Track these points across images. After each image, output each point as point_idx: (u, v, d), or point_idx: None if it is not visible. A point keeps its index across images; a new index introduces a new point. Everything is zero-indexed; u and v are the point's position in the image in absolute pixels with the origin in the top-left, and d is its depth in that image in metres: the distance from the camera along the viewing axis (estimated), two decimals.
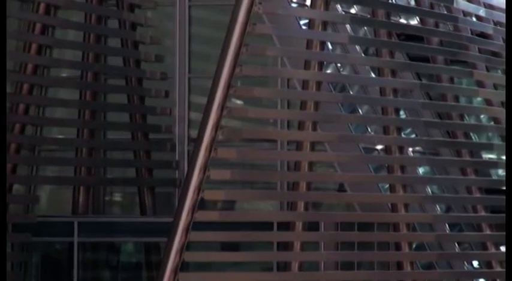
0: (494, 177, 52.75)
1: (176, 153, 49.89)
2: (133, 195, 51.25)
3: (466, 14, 52.57)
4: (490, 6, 54.71)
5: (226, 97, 42.13)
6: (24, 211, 48.64)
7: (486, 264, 50.24)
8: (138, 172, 50.57)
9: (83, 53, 49.44)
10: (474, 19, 53.44)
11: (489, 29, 53.25)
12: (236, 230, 43.98)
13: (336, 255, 46.83)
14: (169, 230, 41.53)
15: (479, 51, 51.55)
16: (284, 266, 46.79)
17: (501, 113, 51.75)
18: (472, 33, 52.00)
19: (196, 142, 42.09)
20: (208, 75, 44.18)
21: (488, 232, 49.96)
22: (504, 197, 49.42)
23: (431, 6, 51.20)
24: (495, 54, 52.12)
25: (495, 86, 52.24)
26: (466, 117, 51.93)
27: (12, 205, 47.69)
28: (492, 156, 53.61)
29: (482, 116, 53.70)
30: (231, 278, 45.34)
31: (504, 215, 47.84)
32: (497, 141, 53.12)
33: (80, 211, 48.78)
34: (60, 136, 50.90)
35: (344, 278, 46.47)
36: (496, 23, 53.96)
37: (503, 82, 51.89)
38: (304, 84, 45.83)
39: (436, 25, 50.79)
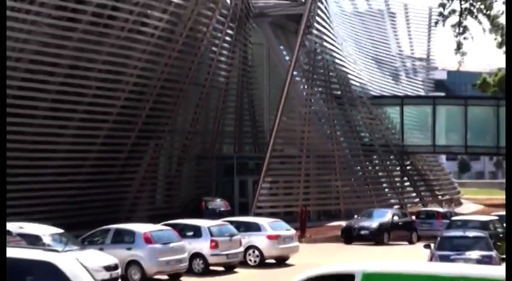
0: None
1: (266, 135, 46.77)
2: (251, 150, 49.75)
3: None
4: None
5: (280, 119, 43.18)
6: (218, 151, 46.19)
7: None
8: (254, 142, 49.29)
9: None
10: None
11: (362, 93, 50.86)
12: None
13: None
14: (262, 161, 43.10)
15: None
16: None
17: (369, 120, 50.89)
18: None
19: (271, 132, 43.28)
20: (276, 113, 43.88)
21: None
22: None
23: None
24: (363, 102, 50.00)
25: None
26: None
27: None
28: (364, 134, 51.29)
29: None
30: None
31: None
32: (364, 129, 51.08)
33: (237, 152, 47.22)
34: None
35: None
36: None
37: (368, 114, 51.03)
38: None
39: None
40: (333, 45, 49.52)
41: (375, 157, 51.87)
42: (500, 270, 12.03)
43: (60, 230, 23.32)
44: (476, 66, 69.82)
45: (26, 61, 32.71)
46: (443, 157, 64.96)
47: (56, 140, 34.55)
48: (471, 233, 25.17)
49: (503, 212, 37.59)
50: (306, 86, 47.42)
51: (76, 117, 35.14)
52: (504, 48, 54.90)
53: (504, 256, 27.31)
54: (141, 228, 24.79)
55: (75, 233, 25.10)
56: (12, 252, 13.55)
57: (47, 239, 21.87)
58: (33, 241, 21.20)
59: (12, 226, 22.49)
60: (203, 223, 27.34)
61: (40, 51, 32.72)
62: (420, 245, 27.91)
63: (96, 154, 36.65)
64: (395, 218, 37.71)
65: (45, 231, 22.71)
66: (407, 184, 54.34)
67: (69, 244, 21.90)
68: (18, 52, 32.35)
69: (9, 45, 31.50)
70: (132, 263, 23.50)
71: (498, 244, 26.31)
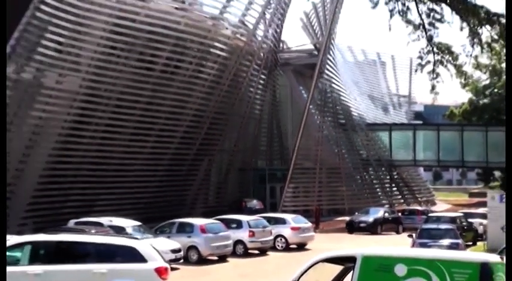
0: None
1: (290, 153, 45.34)
2: (279, 163, 48.01)
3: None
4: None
5: (300, 141, 42.56)
6: (254, 165, 45.28)
7: None
8: (281, 157, 48.04)
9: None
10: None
11: (360, 121, 50.24)
12: None
13: None
14: (286, 172, 44.28)
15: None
16: None
17: (366, 141, 50.56)
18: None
19: (297, 151, 42.96)
20: (297, 137, 43.36)
21: None
22: None
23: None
24: (362, 128, 49.70)
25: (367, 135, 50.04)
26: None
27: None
28: (362, 152, 50.17)
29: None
30: None
31: None
32: (362, 148, 50.28)
33: (268, 165, 46.47)
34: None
35: None
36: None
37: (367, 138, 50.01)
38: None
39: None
40: (339, 86, 49.14)
41: (370, 169, 51.09)
42: (465, 254, 11.92)
43: (139, 223, 23.38)
44: (445, 101, 69.10)
45: (114, 99, 32.72)
46: (421, 169, 64.12)
47: (136, 156, 34.39)
48: (443, 226, 24.81)
49: (467, 210, 37.54)
50: (319, 116, 46.83)
51: (150, 140, 35.01)
52: (467, 88, 54.84)
53: (468, 243, 27.37)
54: (198, 221, 24.81)
55: (149, 225, 25.00)
56: (104, 239, 13.76)
57: (129, 230, 21.88)
58: (119, 230, 21.26)
59: (104, 220, 22.92)
60: (243, 217, 27.21)
61: (125, 92, 32.79)
62: (404, 235, 27.56)
63: (165, 167, 36.42)
64: (386, 214, 37.31)
65: (128, 223, 22.76)
66: (394, 189, 53.57)
67: (145, 233, 22.03)
68: (109, 92, 32.42)
69: (102, 87, 32.02)
70: (191, 247, 23.54)
71: (463, 234, 25.96)
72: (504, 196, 24.39)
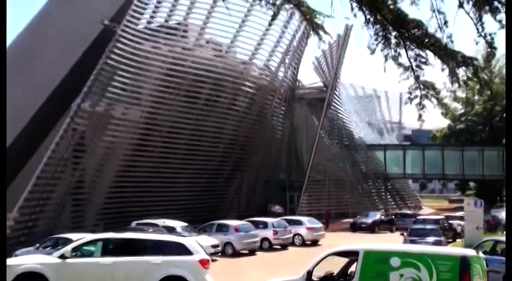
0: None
1: (305, 168, 43.80)
2: (296, 176, 45.98)
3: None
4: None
5: (313, 159, 41.82)
6: (276, 177, 44.48)
7: None
8: (298, 172, 45.65)
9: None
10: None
11: (361, 143, 49.29)
12: None
13: None
14: (302, 183, 42.33)
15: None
16: None
17: (365, 159, 49.96)
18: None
19: (311, 166, 42.49)
20: (310, 155, 42.53)
21: None
22: None
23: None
24: (362, 148, 49.13)
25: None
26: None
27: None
28: (362, 167, 48.72)
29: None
30: None
31: None
32: (362, 164, 48.90)
33: (287, 178, 45.75)
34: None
35: None
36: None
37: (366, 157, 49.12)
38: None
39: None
40: (343, 115, 48.46)
41: (369, 180, 50.17)
42: (447, 249, 11.71)
43: (186, 224, 23.50)
44: (429, 126, 68.42)
45: (167, 127, 32.73)
46: (410, 181, 63.37)
47: (184, 171, 34.06)
48: (429, 226, 24.51)
49: (448, 214, 36.52)
50: (327, 139, 46.12)
51: (196, 158, 34.81)
52: (446, 116, 54.54)
53: (449, 240, 26.86)
54: (232, 223, 24.93)
55: (194, 225, 24.79)
56: (158, 237, 13.83)
57: (178, 229, 22.04)
58: (171, 230, 21.38)
59: (159, 221, 23.03)
60: (268, 219, 27.11)
61: (175, 121, 32.76)
62: (397, 233, 27.34)
63: (207, 179, 36.01)
64: (382, 217, 36.87)
65: (178, 224, 22.93)
66: (389, 196, 52.44)
67: (191, 232, 22.12)
68: (164, 121, 32.45)
69: (157, 117, 31.93)
70: (227, 243, 23.55)
71: (445, 233, 25.45)
72: (478, 201, 24.01)
